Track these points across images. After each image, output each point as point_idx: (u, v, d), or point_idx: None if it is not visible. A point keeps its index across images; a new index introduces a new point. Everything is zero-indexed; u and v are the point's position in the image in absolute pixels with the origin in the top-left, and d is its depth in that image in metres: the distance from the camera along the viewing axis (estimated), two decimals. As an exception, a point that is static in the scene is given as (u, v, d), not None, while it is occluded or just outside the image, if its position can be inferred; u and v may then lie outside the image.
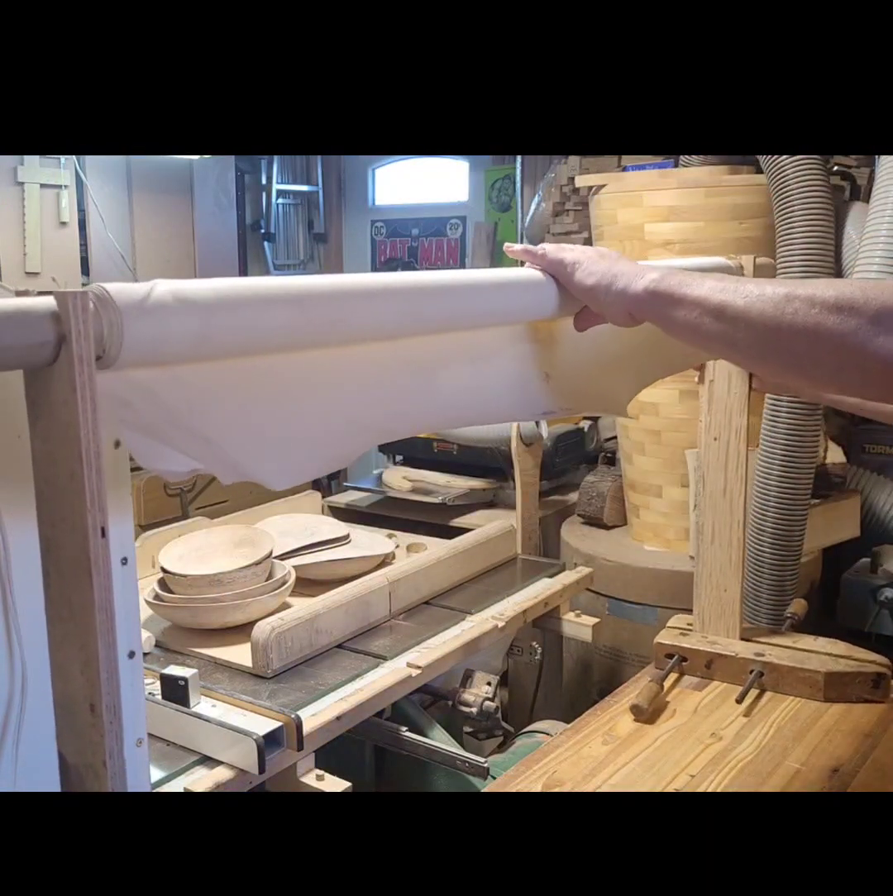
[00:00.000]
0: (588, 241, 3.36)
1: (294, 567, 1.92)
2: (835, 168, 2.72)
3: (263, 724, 1.36)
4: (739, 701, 1.59)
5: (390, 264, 5.16)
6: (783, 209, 2.19)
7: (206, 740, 1.38)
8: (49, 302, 0.66)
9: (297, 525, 2.17)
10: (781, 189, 2.20)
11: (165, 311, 0.73)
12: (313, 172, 5.30)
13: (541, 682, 2.41)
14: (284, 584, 1.83)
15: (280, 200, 5.20)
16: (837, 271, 2.24)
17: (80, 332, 0.66)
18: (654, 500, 2.68)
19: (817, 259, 2.15)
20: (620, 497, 2.86)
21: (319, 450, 0.92)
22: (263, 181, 5.08)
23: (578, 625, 2.07)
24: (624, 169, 2.95)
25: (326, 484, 4.16)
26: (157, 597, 1.79)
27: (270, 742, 1.34)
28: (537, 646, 2.17)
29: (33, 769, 0.79)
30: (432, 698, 1.87)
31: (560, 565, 2.21)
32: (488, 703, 1.78)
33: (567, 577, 2.13)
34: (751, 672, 1.65)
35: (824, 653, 1.67)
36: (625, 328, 1.08)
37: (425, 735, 1.68)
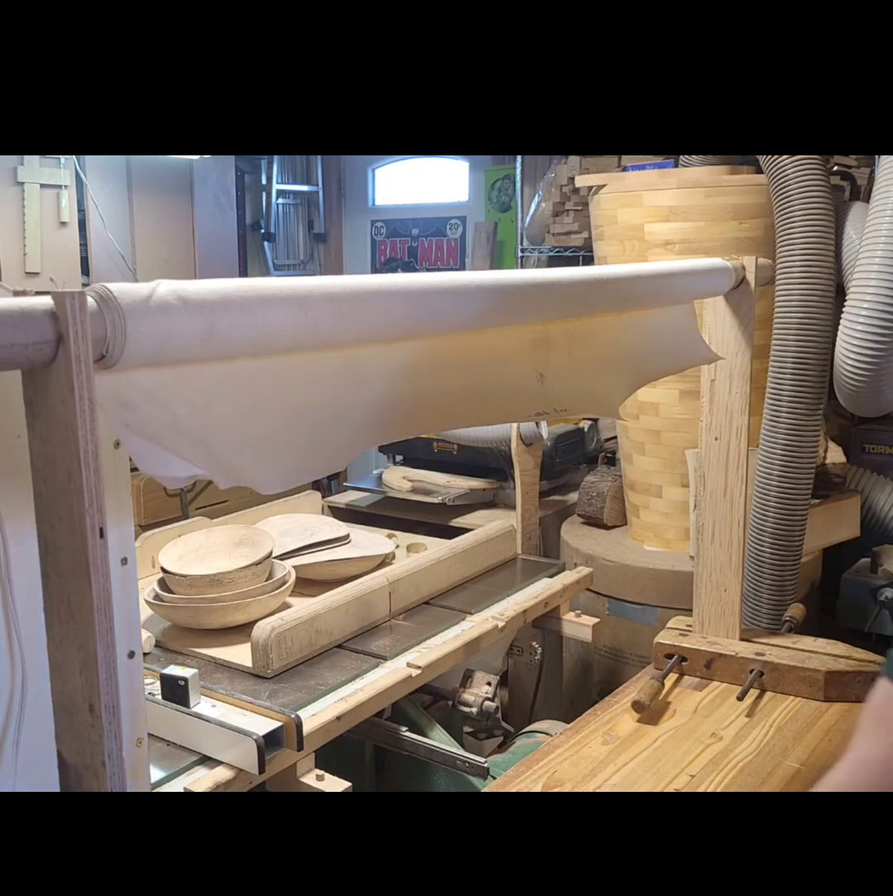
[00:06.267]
0: (588, 241, 3.36)
1: (294, 567, 1.92)
2: (835, 168, 2.72)
3: (263, 724, 1.36)
4: (740, 698, 1.59)
5: (390, 264, 5.16)
6: (783, 209, 2.19)
7: (206, 740, 1.37)
8: (47, 302, 0.66)
9: (297, 525, 2.17)
10: (781, 189, 2.19)
11: (168, 311, 0.73)
12: (313, 172, 5.29)
13: (541, 682, 2.41)
14: (284, 584, 1.83)
15: (280, 200, 5.20)
16: (837, 271, 2.24)
17: (77, 332, 0.66)
18: (654, 500, 2.68)
19: (817, 259, 2.15)
20: (620, 497, 2.86)
21: (315, 453, 0.92)
22: (263, 181, 5.08)
23: (578, 625, 2.07)
24: (624, 169, 2.95)
25: (326, 484, 4.16)
26: (157, 597, 1.79)
27: (270, 742, 1.34)
28: (537, 646, 2.17)
29: (33, 769, 0.79)
30: (432, 698, 1.87)
31: (560, 565, 2.21)
32: (488, 703, 1.77)
33: (567, 577, 2.12)
34: (751, 671, 1.65)
35: (824, 653, 1.67)
36: (619, 331, 1.08)
37: (425, 735, 1.68)
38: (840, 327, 2.13)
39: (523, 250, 4.09)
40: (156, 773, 1.32)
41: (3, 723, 0.78)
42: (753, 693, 1.63)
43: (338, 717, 1.47)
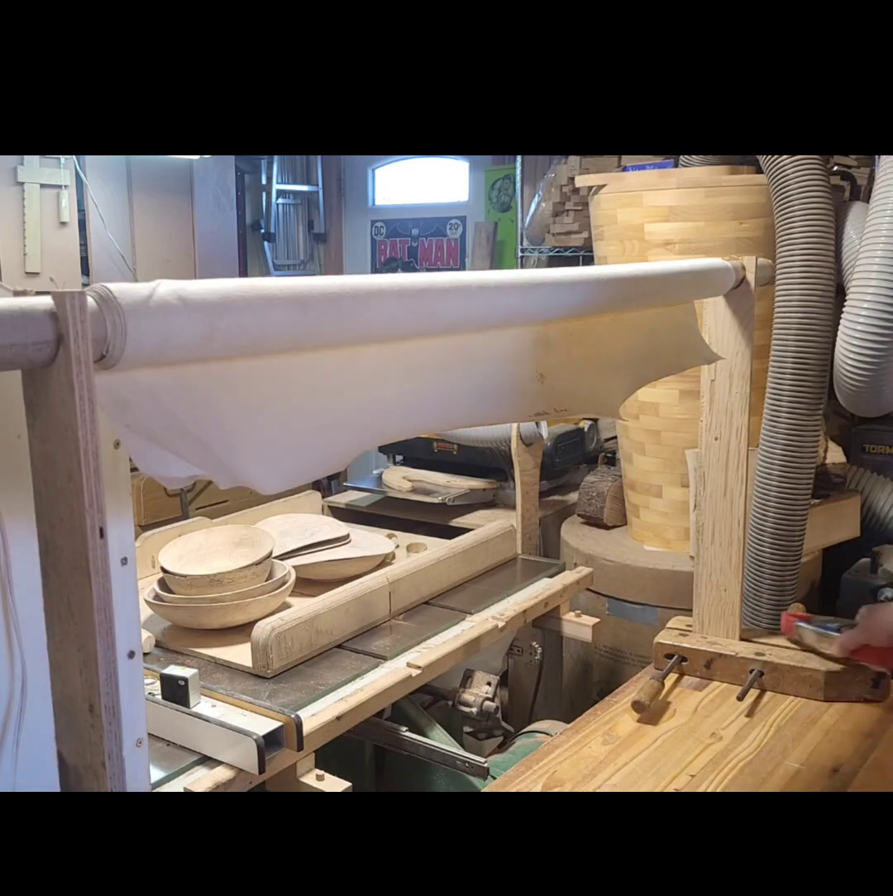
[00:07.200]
0: (588, 241, 3.36)
1: (294, 567, 1.92)
2: (835, 168, 2.72)
3: (263, 724, 1.36)
4: (740, 698, 1.59)
5: (390, 264, 5.16)
6: (783, 209, 2.19)
7: (206, 740, 1.38)
8: (47, 302, 0.66)
9: (297, 525, 2.17)
10: (781, 189, 2.19)
11: (168, 311, 0.73)
12: (313, 172, 5.30)
13: (541, 682, 2.41)
14: (284, 584, 1.83)
15: (280, 200, 5.20)
16: (837, 271, 2.24)
17: (77, 332, 0.66)
18: (654, 500, 2.68)
19: (817, 259, 2.15)
20: (620, 497, 2.86)
21: (315, 453, 0.92)
22: (263, 181, 5.08)
23: (578, 625, 2.07)
24: (624, 169, 2.95)
25: (326, 484, 4.16)
26: (157, 597, 1.79)
27: (270, 742, 1.34)
28: (537, 646, 2.17)
29: (33, 769, 0.79)
30: (432, 698, 1.87)
31: (560, 565, 2.21)
32: (488, 703, 1.77)
33: (567, 577, 2.12)
34: (751, 671, 1.65)
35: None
36: (619, 331, 1.08)
37: (425, 735, 1.68)
38: (840, 327, 2.13)
39: (523, 250, 4.09)
40: (156, 773, 1.32)
41: (3, 723, 0.78)
42: (753, 693, 1.63)
43: (338, 717, 1.47)
